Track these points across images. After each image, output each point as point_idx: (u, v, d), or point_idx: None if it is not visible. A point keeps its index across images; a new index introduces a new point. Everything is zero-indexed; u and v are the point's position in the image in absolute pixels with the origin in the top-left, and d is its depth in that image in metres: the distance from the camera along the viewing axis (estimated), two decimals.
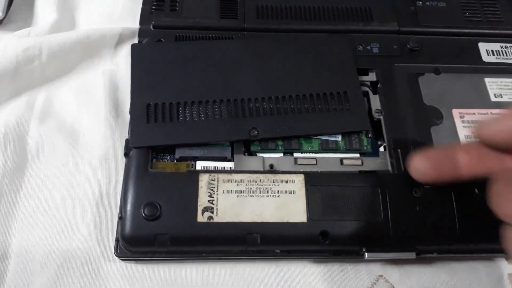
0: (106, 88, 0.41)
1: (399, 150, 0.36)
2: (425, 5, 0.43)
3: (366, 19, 0.42)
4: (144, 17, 0.41)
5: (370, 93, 0.39)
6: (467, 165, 0.29)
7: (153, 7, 0.41)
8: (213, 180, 0.33)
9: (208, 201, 0.32)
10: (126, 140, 0.35)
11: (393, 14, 0.42)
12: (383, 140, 0.37)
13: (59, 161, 0.38)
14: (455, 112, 0.38)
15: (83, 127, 0.40)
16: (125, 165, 0.34)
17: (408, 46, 0.40)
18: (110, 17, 0.46)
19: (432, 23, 0.42)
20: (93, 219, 0.36)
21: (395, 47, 0.40)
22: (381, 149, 0.37)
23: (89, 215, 0.36)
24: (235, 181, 0.33)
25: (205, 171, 0.34)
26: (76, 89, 0.41)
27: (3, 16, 0.44)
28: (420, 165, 0.30)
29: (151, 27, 0.40)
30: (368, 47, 0.40)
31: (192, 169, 0.34)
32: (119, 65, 0.43)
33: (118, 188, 0.36)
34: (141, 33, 0.40)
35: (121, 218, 0.32)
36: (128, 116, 0.37)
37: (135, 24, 0.44)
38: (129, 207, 0.32)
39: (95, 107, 0.40)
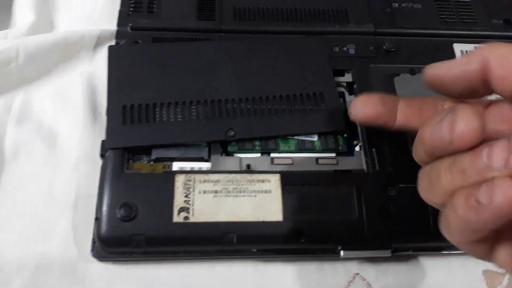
0: (84, 91, 0.41)
1: (374, 150, 0.36)
2: (401, 7, 0.44)
3: (342, 20, 0.42)
4: (122, 19, 0.41)
5: (346, 93, 0.39)
6: (404, 114, 0.29)
7: (131, 8, 0.41)
8: (190, 181, 0.33)
9: (184, 201, 0.32)
10: (102, 141, 0.35)
11: (369, 15, 0.43)
12: (359, 139, 0.37)
13: (37, 163, 0.38)
14: None
15: (61, 130, 0.39)
16: (101, 166, 0.34)
17: (384, 47, 0.41)
18: (89, 19, 0.46)
19: (407, 24, 0.43)
20: (70, 221, 0.35)
21: (371, 48, 0.41)
22: (357, 148, 0.37)
23: (67, 217, 0.36)
24: (211, 181, 0.33)
25: (182, 171, 0.34)
26: (54, 91, 0.41)
27: None
28: (362, 105, 0.30)
29: (129, 28, 0.40)
30: (345, 48, 0.41)
31: (169, 170, 0.34)
32: (98, 67, 0.43)
33: (95, 189, 0.36)
34: (119, 35, 0.40)
35: (97, 219, 0.32)
36: (105, 119, 0.37)
37: (114, 26, 0.44)
38: (104, 208, 0.32)
39: (73, 109, 0.40)
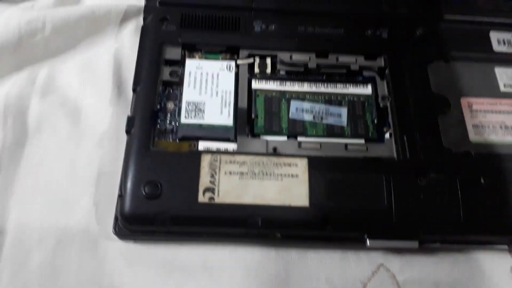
0: (109, 66, 0.40)
1: (405, 137, 0.35)
2: None
3: (376, 2, 0.41)
4: None
5: (378, 78, 0.38)
6: None
7: None
8: (215, 161, 0.32)
9: (210, 181, 0.32)
10: (128, 117, 0.34)
11: None
12: (389, 126, 0.36)
13: (60, 137, 0.37)
14: (464, 101, 0.37)
15: (85, 104, 0.39)
16: (127, 143, 0.34)
17: (417, 32, 0.40)
18: None
19: (442, 9, 0.41)
20: (92, 197, 0.35)
21: (405, 32, 0.40)
22: (387, 135, 0.36)
23: (89, 193, 0.35)
24: (237, 163, 0.33)
25: (208, 151, 0.33)
26: (79, 65, 0.41)
27: None
28: None
29: (157, 3, 0.39)
30: (378, 32, 0.39)
31: (195, 149, 0.34)
32: (124, 42, 0.42)
33: (118, 166, 0.35)
34: (147, 9, 0.39)
35: (121, 196, 0.32)
36: (130, 94, 0.37)
37: (140, 1, 0.43)
38: (129, 184, 0.31)
39: (98, 84, 0.40)
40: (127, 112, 0.37)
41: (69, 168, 0.36)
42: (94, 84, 0.40)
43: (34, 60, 0.40)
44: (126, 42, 0.42)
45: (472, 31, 0.40)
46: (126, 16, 0.43)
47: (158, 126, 0.35)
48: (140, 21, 0.43)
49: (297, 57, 0.38)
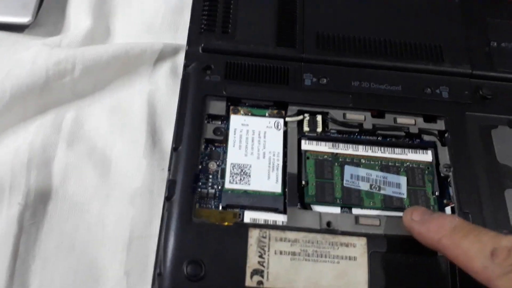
0: (143, 111, 0.37)
1: (469, 214, 0.32)
2: (500, 47, 0.39)
3: (436, 58, 0.37)
4: (192, 38, 0.36)
5: (438, 144, 0.35)
6: None
7: (203, 26, 0.37)
8: (264, 238, 0.29)
9: (258, 262, 0.28)
10: (168, 181, 0.31)
11: (466, 54, 0.38)
12: (450, 199, 0.33)
13: (87, 192, 0.34)
14: None
15: (116, 154, 0.36)
16: (166, 211, 0.30)
17: (480, 92, 0.36)
18: (149, 28, 0.42)
19: (507, 67, 0.38)
20: (123, 264, 0.32)
21: (467, 92, 0.36)
22: (448, 209, 0.33)
23: (119, 259, 0.32)
24: (288, 241, 0.29)
25: (255, 224, 0.30)
26: (110, 109, 0.37)
27: (32, 20, 0.40)
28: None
29: (200, 49, 0.36)
30: (437, 91, 0.36)
31: (240, 220, 0.30)
32: (159, 84, 0.39)
33: (152, 229, 0.32)
34: (188, 56, 0.35)
35: (160, 275, 0.28)
36: (166, 144, 0.34)
37: (176, 39, 0.41)
38: (169, 263, 0.28)
39: (129, 131, 0.37)
40: (163, 165, 0.35)
41: (97, 229, 0.33)
42: (126, 131, 0.37)
43: (60, 103, 0.37)
44: (161, 85, 0.39)
45: None
46: (161, 56, 0.40)
47: (199, 190, 0.31)
48: (176, 61, 0.40)
49: (351, 115, 0.35)
